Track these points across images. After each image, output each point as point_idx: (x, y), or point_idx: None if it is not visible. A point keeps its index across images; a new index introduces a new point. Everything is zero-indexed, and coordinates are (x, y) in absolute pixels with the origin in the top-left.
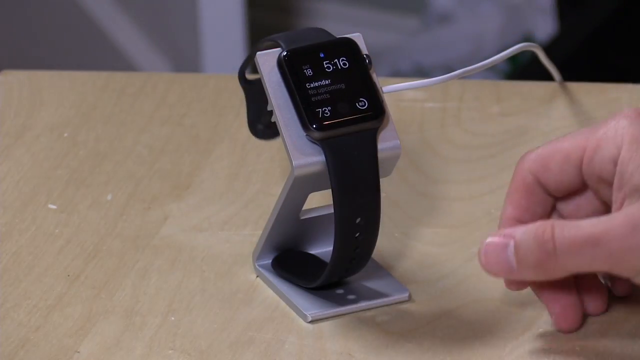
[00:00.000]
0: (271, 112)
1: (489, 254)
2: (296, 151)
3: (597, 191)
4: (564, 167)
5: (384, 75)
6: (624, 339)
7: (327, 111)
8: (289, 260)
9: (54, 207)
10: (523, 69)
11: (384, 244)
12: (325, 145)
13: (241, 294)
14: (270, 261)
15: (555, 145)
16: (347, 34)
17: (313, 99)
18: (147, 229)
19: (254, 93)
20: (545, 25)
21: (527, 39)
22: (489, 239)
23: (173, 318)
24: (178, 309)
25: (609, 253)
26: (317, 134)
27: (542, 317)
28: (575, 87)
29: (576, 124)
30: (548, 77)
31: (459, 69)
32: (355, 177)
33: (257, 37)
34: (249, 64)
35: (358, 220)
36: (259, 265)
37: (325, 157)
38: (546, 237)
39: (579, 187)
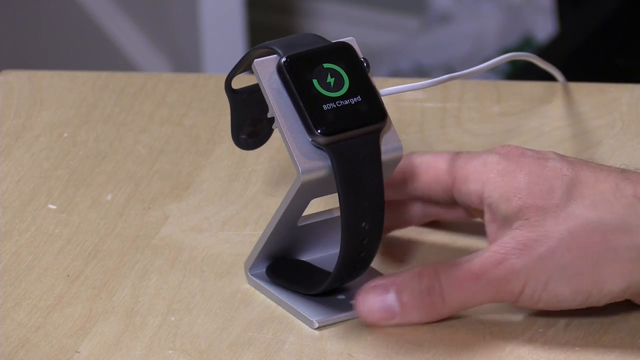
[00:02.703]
0: (262, 120)
1: (367, 302)
2: (302, 157)
3: (467, 210)
4: (433, 186)
5: (384, 75)
6: (624, 338)
7: (330, 116)
8: (286, 267)
9: (54, 207)
10: (523, 69)
11: (384, 244)
12: (330, 149)
13: (241, 294)
14: (263, 270)
15: (431, 160)
16: (346, 34)
17: (317, 103)
18: (147, 229)
19: (238, 103)
20: (545, 25)
21: (527, 39)
22: (366, 288)
23: (173, 318)
24: (178, 309)
25: (489, 282)
26: (322, 139)
27: (542, 317)
28: (575, 87)
29: (576, 123)
30: (549, 77)
31: (459, 68)
32: (361, 180)
33: (257, 37)
34: (238, 72)
35: (364, 224)
36: (252, 274)
37: (331, 161)
38: (432, 280)
39: (446, 202)
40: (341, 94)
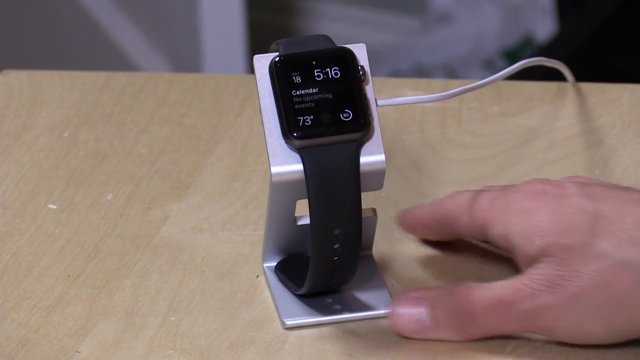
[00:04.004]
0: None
1: (400, 314)
2: (275, 158)
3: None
4: (467, 230)
5: (384, 75)
6: None
7: (308, 120)
8: (291, 264)
9: (54, 207)
10: (523, 69)
11: (384, 244)
12: (303, 153)
13: (241, 294)
14: (276, 263)
15: (460, 204)
16: (346, 34)
17: (297, 106)
18: (147, 229)
19: None
20: (545, 25)
21: (527, 39)
22: (400, 299)
23: (173, 318)
24: (178, 309)
25: (521, 314)
26: (296, 142)
27: None
28: (576, 87)
29: (576, 123)
30: (548, 77)
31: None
32: (334, 188)
33: (257, 37)
34: None
35: (336, 232)
36: (266, 267)
37: (303, 165)
38: (465, 298)
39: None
40: None
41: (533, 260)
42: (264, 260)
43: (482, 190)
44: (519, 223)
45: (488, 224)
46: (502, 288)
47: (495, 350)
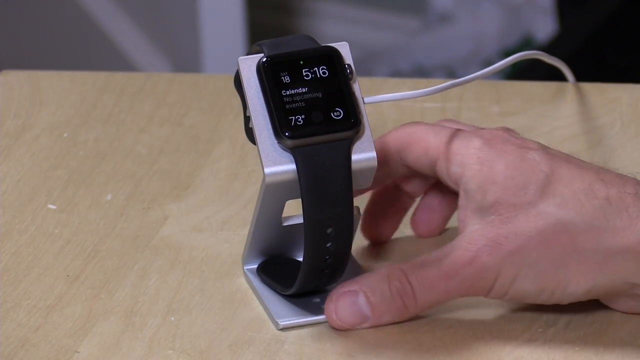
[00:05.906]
0: (249, 118)
1: (339, 309)
2: (268, 159)
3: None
4: (421, 157)
5: (384, 75)
6: (623, 338)
7: (300, 119)
8: (273, 266)
9: (53, 207)
10: (523, 69)
11: (383, 244)
12: (296, 153)
13: (241, 294)
14: (256, 266)
15: (422, 132)
16: (346, 34)
17: (287, 106)
18: (147, 229)
19: None
20: (545, 25)
21: (527, 39)
22: (335, 294)
23: (173, 318)
24: (178, 309)
25: (461, 282)
26: (288, 142)
27: (542, 317)
28: (575, 87)
29: (576, 123)
30: (548, 77)
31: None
32: (326, 186)
33: (257, 37)
34: None
35: (329, 230)
36: (247, 269)
37: (296, 165)
38: (402, 283)
39: (431, 177)
40: None
41: (479, 211)
42: (245, 263)
43: (437, 125)
44: (476, 170)
45: (446, 159)
46: (438, 261)
47: (495, 350)
